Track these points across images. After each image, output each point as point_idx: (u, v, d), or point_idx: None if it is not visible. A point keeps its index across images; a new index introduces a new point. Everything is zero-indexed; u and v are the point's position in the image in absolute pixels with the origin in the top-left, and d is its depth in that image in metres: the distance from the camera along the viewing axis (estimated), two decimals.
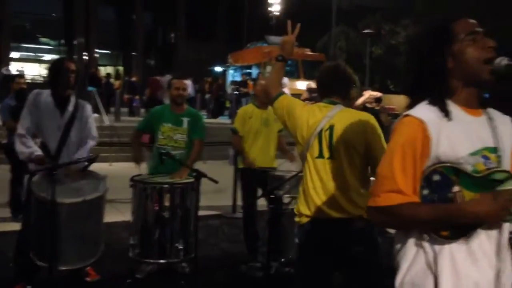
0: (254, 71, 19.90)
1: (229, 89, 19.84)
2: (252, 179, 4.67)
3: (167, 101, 17.82)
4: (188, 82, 21.60)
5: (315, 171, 2.48)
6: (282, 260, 4.22)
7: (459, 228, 1.49)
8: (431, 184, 1.51)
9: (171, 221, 3.75)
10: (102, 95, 15.08)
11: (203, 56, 30.60)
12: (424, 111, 1.56)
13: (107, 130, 12.30)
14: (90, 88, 14.69)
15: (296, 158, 4.82)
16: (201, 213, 6.84)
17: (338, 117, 2.48)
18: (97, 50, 29.05)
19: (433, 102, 1.57)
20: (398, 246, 1.63)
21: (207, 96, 19.59)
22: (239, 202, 5.94)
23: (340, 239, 2.43)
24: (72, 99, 3.74)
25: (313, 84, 17.97)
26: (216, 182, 3.53)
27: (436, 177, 1.51)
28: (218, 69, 24.53)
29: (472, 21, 1.61)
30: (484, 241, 1.53)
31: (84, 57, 25.70)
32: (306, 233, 2.51)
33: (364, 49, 17.73)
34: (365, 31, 17.09)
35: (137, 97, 18.17)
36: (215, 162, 11.42)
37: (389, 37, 18.20)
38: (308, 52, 19.74)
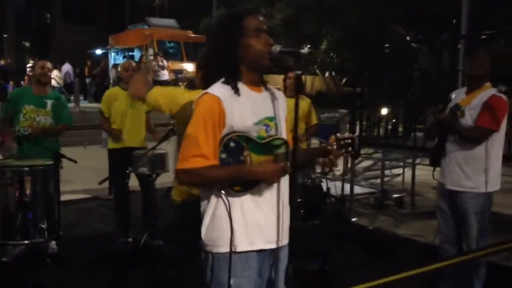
0: (137, 54, 19.58)
1: (111, 72, 19.31)
2: (120, 159, 4.83)
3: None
4: (67, 66, 20.34)
5: None
6: (148, 234, 4.49)
7: (247, 183, 1.88)
8: (227, 149, 1.88)
9: (33, 203, 3.84)
10: None
11: (84, 38, 29.24)
12: (219, 89, 1.91)
13: None
14: None
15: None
16: (77, 196, 6.95)
17: None
18: None
19: (226, 82, 1.93)
20: (204, 202, 1.99)
21: (88, 80, 18.92)
22: None
23: None
24: None
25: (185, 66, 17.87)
26: (75, 162, 3.70)
27: (232, 144, 1.88)
28: (98, 51, 23.63)
29: (260, 18, 1.98)
30: (266, 192, 1.94)
31: None
32: (189, 211, 2.68)
33: None
34: None
35: (11, 83, 16.95)
36: (96, 146, 11.28)
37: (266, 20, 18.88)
38: (191, 34, 19.84)
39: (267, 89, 2.04)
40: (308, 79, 26.81)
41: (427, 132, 4.24)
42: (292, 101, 6.49)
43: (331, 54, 21.27)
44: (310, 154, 2.05)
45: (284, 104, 2.09)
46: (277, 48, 1.92)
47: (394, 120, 6.22)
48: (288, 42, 21.47)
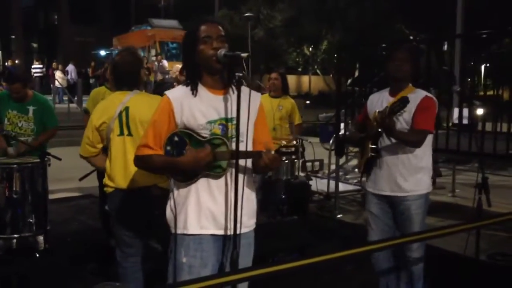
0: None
1: None
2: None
3: None
4: (71, 67, 20.54)
5: (116, 147, 2.92)
6: None
7: (185, 174, 2.10)
8: (172, 143, 2.11)
9: (22, 198, 4.04)
10: None
11: (89, 39, 29.60)
12: (176, 91, 2.17)
13: None
14: None
15: None
16: (71, 194, 7.11)
17: (133, 101, 2.96)
18: None
19: (187, 84, 2.17)
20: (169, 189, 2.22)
21: (92, 80, 19.21)
22: None
23: (140, 204, 2.91)
24: None
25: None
26: (59, 159, 3.89)
27: (176, 138, 2.11)
28: (102, 52, 23.92)
29: (213, 26, 2.15)
30: (219, 183, 2.13)
31: None
32: (114, 201, 2.96)
33: (247, 32, 18.40)
34: (246, 14, 17.69)
35: None
36: None
37: (267, 21, 19.14)
38: None
39: (230, 91, 2.17)
40: (312, 80, 26.92)
41: (351, 142, 4.10)
42: (276, 101, 6.68)
43: (334, 55, 21.40)
44: (250, 155, 2.17)
45: (255, 105, 2.22)
46: (222, 51, 2.08)
47: None
48: (289, 43, 21.65)
